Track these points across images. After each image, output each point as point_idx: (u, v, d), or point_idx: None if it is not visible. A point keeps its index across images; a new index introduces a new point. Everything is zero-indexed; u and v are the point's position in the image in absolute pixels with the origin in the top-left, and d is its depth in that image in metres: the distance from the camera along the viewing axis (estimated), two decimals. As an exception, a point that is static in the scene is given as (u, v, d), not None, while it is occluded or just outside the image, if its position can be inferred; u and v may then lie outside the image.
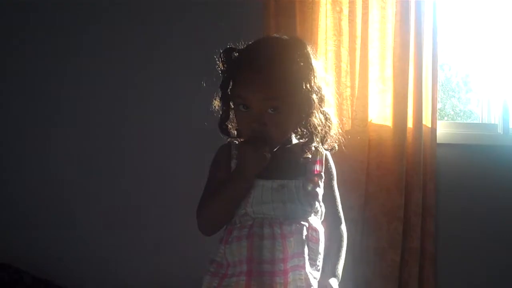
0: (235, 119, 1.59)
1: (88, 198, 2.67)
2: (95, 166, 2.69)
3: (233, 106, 1.57)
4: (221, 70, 1.57)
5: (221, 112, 1.60)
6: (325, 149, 1.62)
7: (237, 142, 1.59)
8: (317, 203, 1.55)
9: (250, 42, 1.57)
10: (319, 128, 1.55)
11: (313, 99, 1.52)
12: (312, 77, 1.52)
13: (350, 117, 2.59)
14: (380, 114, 2.63)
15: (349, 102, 2.60)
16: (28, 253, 2.57)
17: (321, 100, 1.55)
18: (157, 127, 2.68)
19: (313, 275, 1.49)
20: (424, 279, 2.58)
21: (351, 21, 2.59)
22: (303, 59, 1.52)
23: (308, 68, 1.52)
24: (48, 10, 2.69)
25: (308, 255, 1.49)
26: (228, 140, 1.62)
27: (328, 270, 1.54)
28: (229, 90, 1.57)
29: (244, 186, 1.50)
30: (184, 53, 2.66)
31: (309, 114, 1.54)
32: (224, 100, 1.58)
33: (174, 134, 2.65)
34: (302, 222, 1.50)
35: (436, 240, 2.60)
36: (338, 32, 2.60)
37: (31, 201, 2.67)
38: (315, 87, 1.53)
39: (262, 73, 1.45)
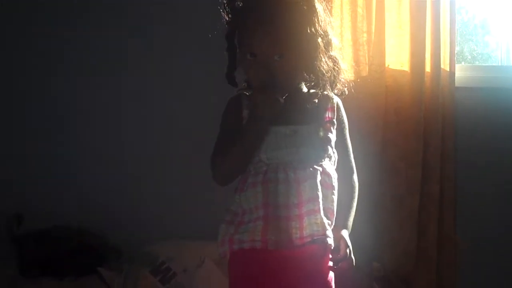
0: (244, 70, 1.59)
1: (107, 151, 2.69)
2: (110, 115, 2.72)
3: (240, 57, 1.57)
4: (225, 20, 1.57)
5: (228, 63, 1.59)
6: (334, 94, 1.62)
7: (246, 94, 1.59)
8: (330, 148, 1.56)
9: None
10: (327, 74, 1.55)
11: (318, 43, 1.52)
12: (316, 21, 1.51)
13: (367, 63, 2.56)
14: (397, 59, 2.60)
15: (365, 47, 2.56)
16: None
17: (327, 44, 1.55)
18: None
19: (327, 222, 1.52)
20: (443, 224, 2.58)
21: (367, -36, 2.54)
22: (306, 3, 1.51)
23: (312, 11, 1.51)
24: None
25: (322, 201, 1.51)
26: (237, 91, 1.62)
27: (339, 222, 1.57)
28: (235, 40, 1.56)
29: (259, 133, 1.50)
30: (181, 46, 2.66)
31: (316, 58, 1.53)
32: (230, 50, 1.58)
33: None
34: (316, 167, 1.52)
35: (455, 184, 2.59)
36: (354, -24, 2.55)
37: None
38: (320, 30, 1.52)
39: (266, 20, 1.46)
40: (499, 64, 2.90)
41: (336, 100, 1.63)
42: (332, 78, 1.57)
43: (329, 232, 1.51)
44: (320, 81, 1.56)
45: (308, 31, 1.49)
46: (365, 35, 2.56)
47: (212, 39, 1.66)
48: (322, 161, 1.54)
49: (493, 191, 2.67)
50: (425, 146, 2.55)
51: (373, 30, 2.55)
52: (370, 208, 2.43)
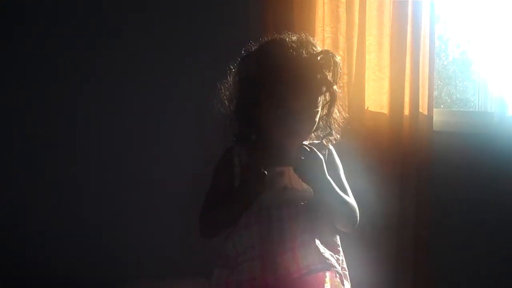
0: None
1: (94, 192, 2.63)
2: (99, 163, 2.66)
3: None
4: (244, 76, 1.64)
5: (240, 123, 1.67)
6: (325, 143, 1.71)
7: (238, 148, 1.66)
8: None
9: (283, 55, 1.62)
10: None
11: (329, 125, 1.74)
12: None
13: (347, 104, 2.58)
14: (377, 102, 2.62)
15: (345, 89, 2.58)
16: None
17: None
18: (156, 126, 2.66)
19: (326, 252, 1.54)
20: (418, 267, 2.58)
21: (349, 8, 2.57)
22: (332, 94, 1.71)
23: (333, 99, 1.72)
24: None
25: (319, 234, 1.55)
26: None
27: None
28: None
29: (248, 203, 1.55)
30: (181, 48, 2.63)
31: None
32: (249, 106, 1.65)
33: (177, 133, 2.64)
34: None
35: (431, 228, 2.60)
36: (336, 19, 2.58)
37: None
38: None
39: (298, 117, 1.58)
40: (477, 110, 2.94)
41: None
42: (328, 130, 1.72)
43: (331, 260, 1.52)
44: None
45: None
46: (345, 77, 2.58)
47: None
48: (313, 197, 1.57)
49: (468, 237, 2.68)
50: (402, 189, 2.55)
51: (353, 73, 2.58)
52: (347, 250, 2.42)
